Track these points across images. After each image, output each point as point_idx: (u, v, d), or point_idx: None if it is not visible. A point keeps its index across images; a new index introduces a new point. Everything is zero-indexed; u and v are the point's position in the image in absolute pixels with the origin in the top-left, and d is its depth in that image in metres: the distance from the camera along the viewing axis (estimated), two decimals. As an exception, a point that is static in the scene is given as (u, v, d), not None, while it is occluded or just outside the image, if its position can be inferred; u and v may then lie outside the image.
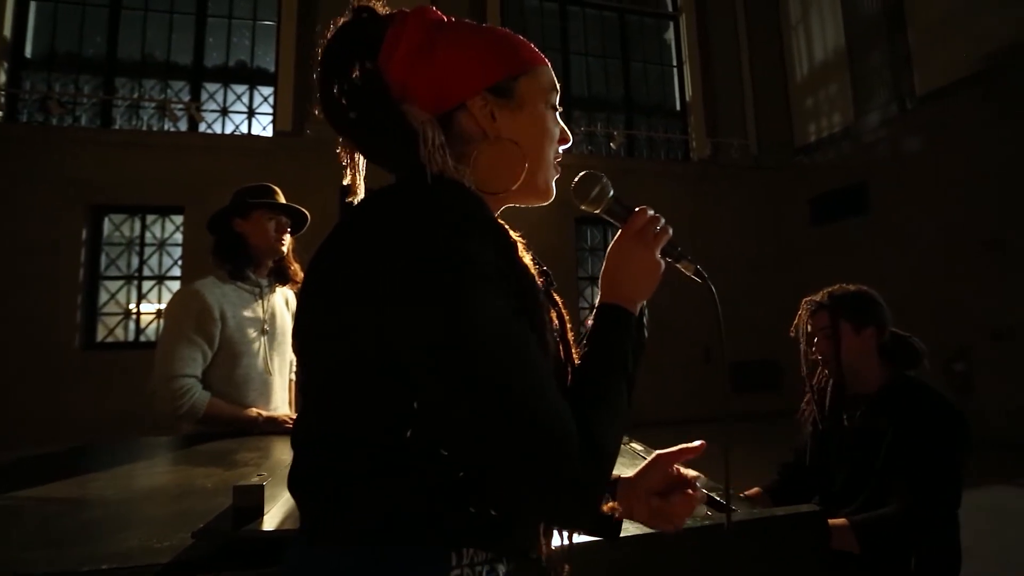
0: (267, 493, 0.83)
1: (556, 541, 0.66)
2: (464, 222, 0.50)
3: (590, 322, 0.64)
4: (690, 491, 0.68)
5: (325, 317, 0.53)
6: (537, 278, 0.58)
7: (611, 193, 0.69)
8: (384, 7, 0.64)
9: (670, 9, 8.24)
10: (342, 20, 0.63)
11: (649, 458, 0.74)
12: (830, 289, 1.52)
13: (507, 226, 0.59)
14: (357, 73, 0.61)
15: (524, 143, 0.62)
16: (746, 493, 1.57)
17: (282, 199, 1.79)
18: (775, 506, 1.60)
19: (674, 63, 8.17)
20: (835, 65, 6.94)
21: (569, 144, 0.69)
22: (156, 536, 0.79)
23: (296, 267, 1.86)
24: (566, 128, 0.68)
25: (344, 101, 0.60)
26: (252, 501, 0.78)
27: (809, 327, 1.52)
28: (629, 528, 0.81)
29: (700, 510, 0.92)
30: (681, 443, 0.72)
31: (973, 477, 3.88)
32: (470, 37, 0.62)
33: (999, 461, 4.35)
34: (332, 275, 0.53)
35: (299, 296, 0.57)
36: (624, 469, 1.23)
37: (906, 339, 1.48)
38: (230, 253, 1.72)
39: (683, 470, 0.71)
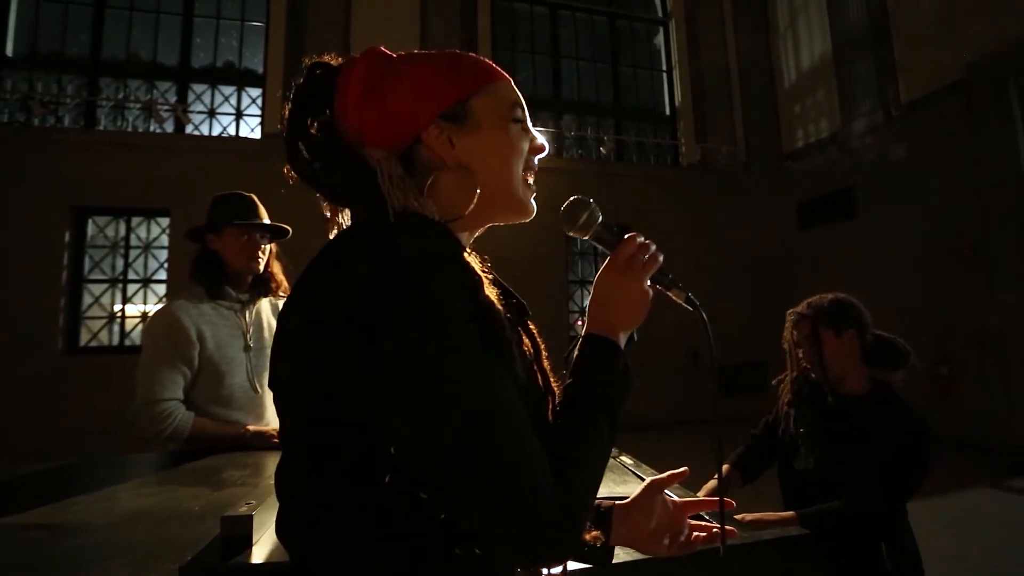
0: (256, 521, 0.82)
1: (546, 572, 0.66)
2: (427, 264, 0.50)
3: (575, 352, 0.63)
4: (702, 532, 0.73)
5: (298, 369, 0.52)
6: (504, 312, 0.57)
7: (599, 219, 0.68)
8: (336, 59, 0.65)
9: (660, 14, 8.29)
10: (298, 81, 0.63)
11: (644, 484, 0.75)
12: (810, 299, 1.62)
13: (474, 261, 0.59)
14: (315, 127, 0.61)
15: (487, 163, 0.62)
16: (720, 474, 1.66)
17: (261, 211, 1.72)
18: (743, 481, 1.73)
19: (663, 68, 8.22)
20: (822, 72, 7.03)
21: (545, 153, 0.68)
22: (142, 567, 0.78)
23: (280, 277, 1.80)
24: (538, 136, 0.67)
25: (307, 155, 0.61)
26: (240, 531, 0.77)
27: (795, 336, 1.63)
28: (620, 554, 0.81)
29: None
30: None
31: (956, 480, 3.92)
32: (415, 69, 0.62)
33: (981, 464, 4.43)
34: (302, 326, 0.52)
35: (273, 346, 0.56)
36: (614, 486, 1.23)
37: (890, 340, 1.56)
38: (205, 271, 1.67)
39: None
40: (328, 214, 0.66)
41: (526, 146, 0.65)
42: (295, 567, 0.55)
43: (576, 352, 0.62)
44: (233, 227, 1.66)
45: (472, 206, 0.60)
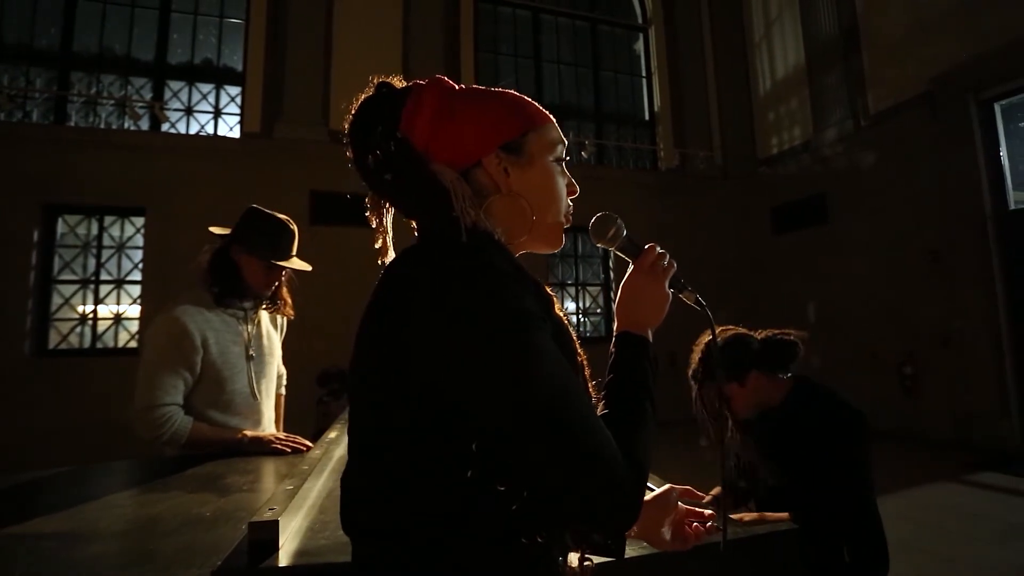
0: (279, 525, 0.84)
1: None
2: (510, 277, 0.56)
3: (612, 349, 0.71)
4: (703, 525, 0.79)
5: (386, 372, 0.56)
6: (569, 327, 0.64)
7: (624, 233, 0.77)
8: (401, 81, 0.70)
9: (640, 21, 8.43)
10: (364, 96, 0.69)
11: (664, 487, 0.81)
12: (696, 364, 1.55)
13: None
14: (384, 140, 0.65)
15: (535, 195, 0.68)
16: (711, 494, 1.64)
17: (295, 243, 1.74)
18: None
19: (643, 74, 8.36)
20: (795, 82, 7.25)
21: (576, 194, 0.75)
22: (166, 573, 0.79)
23: (286, 295, 1.82)
24: (573, 180, 0.74)
25: (376, 166, 0.65)
26: (268, 536, 0.79)
27: (704, 402, 1.58)
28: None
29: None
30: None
31: (921, 475, 4.09)
32: (483, 101, 0.68)
33: (944, 460, 4.64)
34: (390, 331, 0.56)
35: (357, 350, 0.60)
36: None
37: (776, 341, 1.53)
38: (219, 276, 1.67)
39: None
40: (372, 217, 0.71)
41: (565, 183, 0.72)
42: (362, 561, 0.58)
43: (613, 348, 0.70)
44: (264, 260, 1.67)
45: (529, 231, 0.66)
